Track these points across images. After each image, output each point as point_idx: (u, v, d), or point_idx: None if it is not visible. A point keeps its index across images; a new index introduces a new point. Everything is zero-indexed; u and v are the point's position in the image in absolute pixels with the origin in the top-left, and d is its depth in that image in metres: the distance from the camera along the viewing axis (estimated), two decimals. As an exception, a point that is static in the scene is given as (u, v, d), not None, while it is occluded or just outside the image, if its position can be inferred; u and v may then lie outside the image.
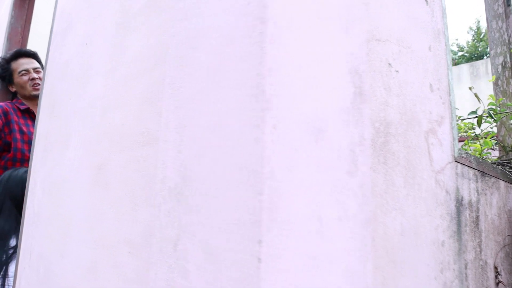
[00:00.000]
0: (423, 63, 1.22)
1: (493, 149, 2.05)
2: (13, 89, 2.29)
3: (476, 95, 1.61)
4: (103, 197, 1.10)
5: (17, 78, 2.26)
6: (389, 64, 1.06)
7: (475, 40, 17.23)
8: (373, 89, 0.88)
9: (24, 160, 2.13)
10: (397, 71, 1.09)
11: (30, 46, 2.78)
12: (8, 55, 2.31)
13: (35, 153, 1.68)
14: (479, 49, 16.76)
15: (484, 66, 7.59)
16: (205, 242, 0.58)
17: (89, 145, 1.25)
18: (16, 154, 2.12)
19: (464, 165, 1.37)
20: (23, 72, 2.26)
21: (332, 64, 0.66)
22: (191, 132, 0.63)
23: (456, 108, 1.59)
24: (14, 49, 2.44)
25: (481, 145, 1.77)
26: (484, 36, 16.95)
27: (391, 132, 1.02)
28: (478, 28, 17.55)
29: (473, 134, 1.97)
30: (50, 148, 1.54)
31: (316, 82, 0.63)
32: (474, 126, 1.89)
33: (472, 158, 1.43)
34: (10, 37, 2.57)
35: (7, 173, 1.81)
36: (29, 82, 2.25)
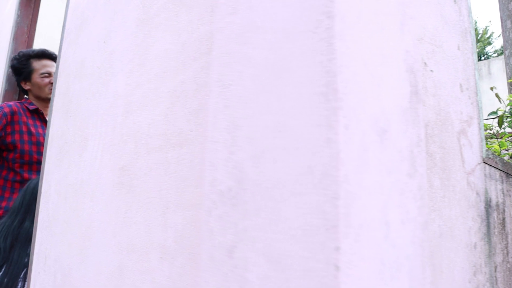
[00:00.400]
0: (453, 63, 1.19)
1: (507, 150, 2.03)
2: (26, 87, 2.24)
3: (497, 95, 1.59)
4: (128, 200, 1.07)
5: (37, 79, 2.21)
6: (425, 63, 1.03)
7: (472, 41, 17.26)
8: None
9: (32, 162, 2.09)
10: (432, 70, 1.06)
11: (36, 45, 2.74)
12: (30, 52, 2.25)
13: (48, 155, 1.64)
14: (477, 50, 16.82)
15: (486, 67, 7.60)
16: (268, 249, 0.54)
17: (110, 146, 1.21)
18: (24, 156, 2.07)
19: (491, 166, 1.34)
20: (46, 74, 2.22)
21: (392, 61, 0.63)
22: (246, 132, 0.60)
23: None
24: (34, 48, 2.39)
25: (499, 145, 1.75)
26: (481, 37, 17.03)
27: (428, 132, 0.99)
28: (476, 29, 17.60)
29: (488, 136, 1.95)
30: (66, 150, 1.50)
31: (379, 80, 0.60)
32: (491, 127, 1.87)
33: (497, 159, 1.41)
34: (16, 37, 2.52)
35: (36, 178, 1.77)
36: (49, 85, 2.22)
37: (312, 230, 0.50)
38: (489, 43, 17.21)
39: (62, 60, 1.72)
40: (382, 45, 0.61)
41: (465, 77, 1.25)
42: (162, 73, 1.04)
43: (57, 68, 1.76)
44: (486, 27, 18.80)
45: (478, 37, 17.21)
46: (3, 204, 2.05)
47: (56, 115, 1.64)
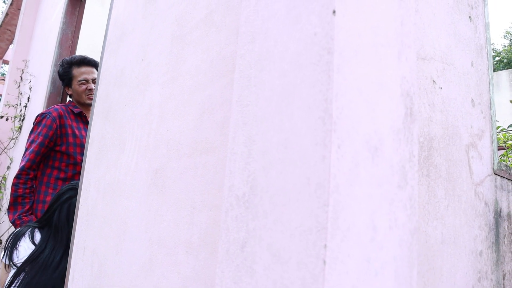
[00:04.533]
0: (465, 79, 1.26)
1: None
2: (69, 92, 2.43)
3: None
4: (160, 200, 1.20)
5: (75, 85, 2.39)
6: (434, 81, 1.11)
7: (512, 45, 16.78)
8: (418, 106, 0.93)
9: (77, 163, 2.27)
10: (440, 87, 1.14)
11: (78, 51, 2.93)
12: (72, 59, 2.44)
13: (89, 155, 1.80)
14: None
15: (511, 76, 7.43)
16: (272, 245, 0.65)
17: (145, 150, 1.35)
18: (69, 157, 2.25)
19: (503, 177, 1.40)
20: (83, 81, 2.40)
21: (387, 88, 0.73)
22: (260, 146, 0.71)
23: (497, 120, 1.61)
24: (76, 55, 2.57)
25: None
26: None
27: (434, 146, 1.07)
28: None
29: None
30: (105, 151, 1.65)
31: (373, 105, 0.69)
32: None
33: (511, 170, 1.46)
34: (61, 43, 2.72)
35: (68, 193, 1.86)
36: (86, 91, 2.39)
37: (307, 230, 0.60)
38: None
39: (103, 68, 1.88)
40: (378, 74, 0.71)
41: (478, 92, 1.32)
42: (193, 86, 1.16)
43: (98, 75, 1.92)
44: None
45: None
46: (48, 198, 2.24)
47: (97, 119, 1.80)
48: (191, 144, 1.12)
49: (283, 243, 0.63)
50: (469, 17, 1.35)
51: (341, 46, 0.65)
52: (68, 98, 2.52)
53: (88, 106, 2.40)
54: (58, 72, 2.44)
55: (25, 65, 3.49)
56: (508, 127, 1.72)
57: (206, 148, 1.06)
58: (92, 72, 2.43)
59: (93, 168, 1.72)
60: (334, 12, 0.65)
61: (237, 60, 0.81)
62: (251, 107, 0.75)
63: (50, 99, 2.67)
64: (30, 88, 3.13)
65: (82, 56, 2.48)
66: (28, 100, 3.13)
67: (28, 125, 3.10)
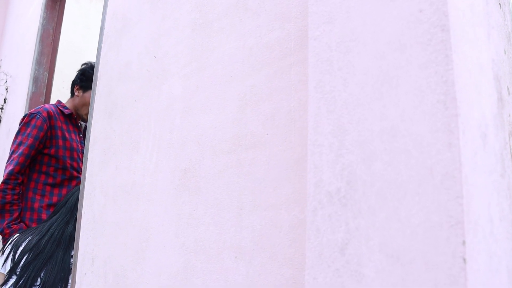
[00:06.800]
0: (502, 67, 1.24)
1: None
2: (76, 93, 2.22)
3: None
4: (194, 201, 1.10)
5: (88, 98, 2.18)
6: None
7: None
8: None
9: (66, 167, 2.12)
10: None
11: (61, 47, 2.77)
12: None
13: (90, 157, 1.67)
14: None
15: None
16: (385, 245, 0.59)
17: (168, 148, 1.25)
18: (58, 161, 2.10)
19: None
20: None
21: (485, 70, 0.68)
22: (354, 136, 0.64)
23: None
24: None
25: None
26: None
27: (486, 134, 1.04)
28: None
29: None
30: (112, 152, 1.53)
31: (478, 88, 0.64)
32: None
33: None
34: (42, 39, 2.55)
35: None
36: None
37: (434, 226, 0.54)
38: None
39: (102, 62, 1.75)
40: (478, 55, 0.66)
41: (510, 81, 1.29)
42: (228, 77, 1.08)
43: (96, 70, 1.79)
44: None
45: None
46: (36, 205, 2.08)
47: (98, 117, 1.68)
48: (230, 139, 1.04)
49: (401, 242, 0.57)
50: (499, 3, 1.33)
51: (454, 24, 0.59)
52: (56, 100, 2.34)
53: (82, 118, 2.25)
54: (87, 70, 2.20)
55: (-3, 65, 3.27)
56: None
57: (252, 143, 0.98)
58: None
59: (98, 171, 1.60)
60: (444, -15, 0.59)
61: (310, 43, 0.74)
62: (337, 93, 0.68)
63: (33, 100, 2.50)
64: (6, 89, 2.91)
65: None
66: (5, 102, 2.92)
67: (5, 128, 2.89)
